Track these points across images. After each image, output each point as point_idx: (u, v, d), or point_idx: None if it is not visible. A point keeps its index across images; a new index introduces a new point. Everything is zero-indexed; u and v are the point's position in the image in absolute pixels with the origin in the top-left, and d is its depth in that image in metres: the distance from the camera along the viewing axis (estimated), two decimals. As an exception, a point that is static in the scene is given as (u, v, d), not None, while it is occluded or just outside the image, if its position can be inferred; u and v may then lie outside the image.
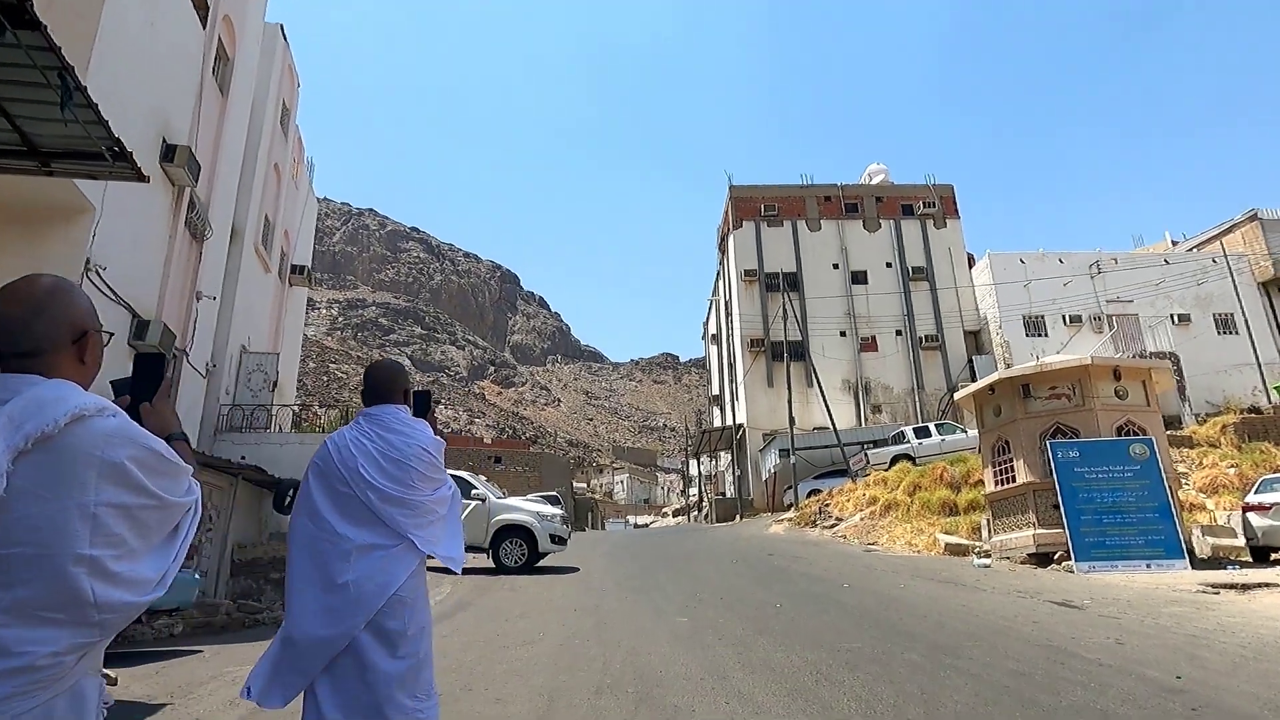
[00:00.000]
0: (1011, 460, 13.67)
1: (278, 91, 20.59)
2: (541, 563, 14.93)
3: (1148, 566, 11.44)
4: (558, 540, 14.63)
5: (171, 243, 13.96)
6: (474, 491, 14.60)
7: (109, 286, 11.79)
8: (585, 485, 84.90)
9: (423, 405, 3.29)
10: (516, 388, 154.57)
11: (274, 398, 19.42)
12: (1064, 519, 12.13)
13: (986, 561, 13.06)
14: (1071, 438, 12.93)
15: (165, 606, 7.56)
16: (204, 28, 14.99)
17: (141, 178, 6.52)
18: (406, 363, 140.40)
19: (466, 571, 14.38)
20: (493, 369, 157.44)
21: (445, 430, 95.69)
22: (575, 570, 14.53)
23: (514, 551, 14.29)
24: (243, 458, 14.71)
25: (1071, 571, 11.73)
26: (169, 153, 13.45)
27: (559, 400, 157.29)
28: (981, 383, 14.65)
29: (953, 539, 16.91)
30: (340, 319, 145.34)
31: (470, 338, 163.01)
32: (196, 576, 7.94)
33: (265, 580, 12.87)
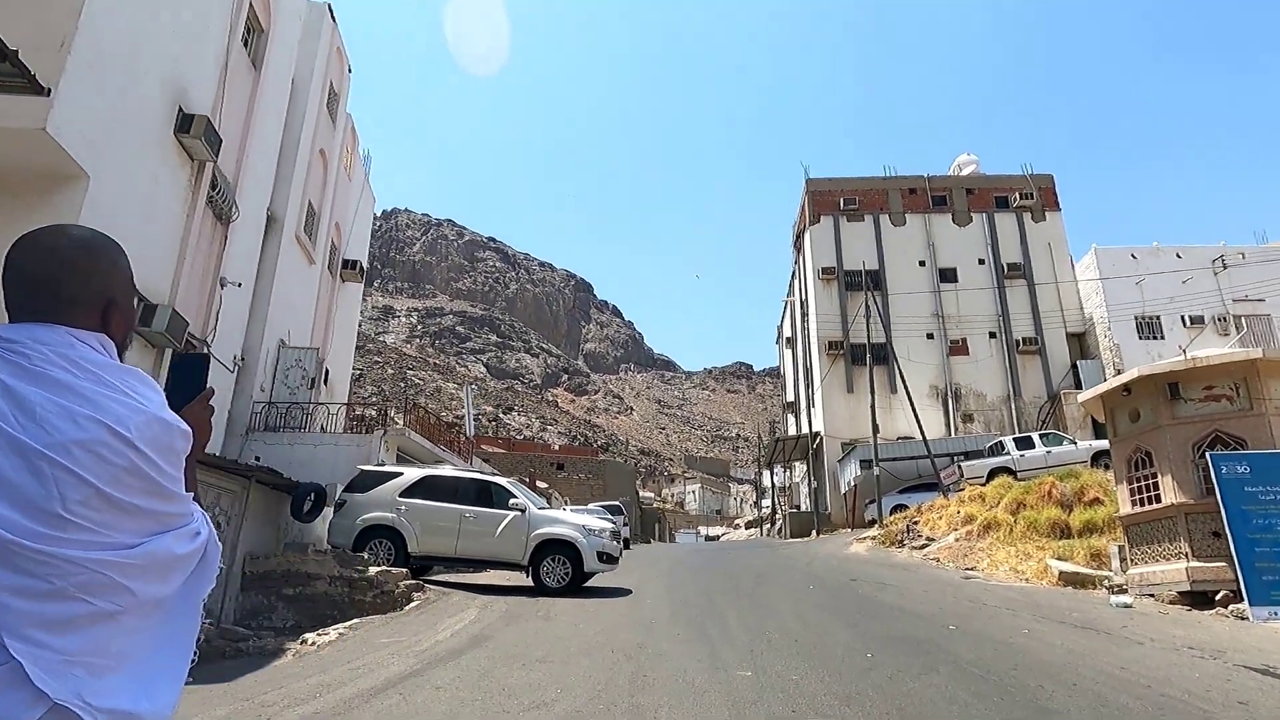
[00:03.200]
0: (1154, 476, 11.19)
1: (324, 73, 19.53)
2: (591, 582, 13.16)
3: (1350, 615, 8.89)
4: (607, 559, 12.81)
5: (189, 221, 12.77)
6: (513, 501, 12.92)
7: (105, 264, 10.54)
8: (654, 494, 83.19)
9: (193, 376, 1.62)
10: (589, 396, 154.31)
11: (315, 395, 18.24)
12: (1232, 551, 9.66)
13: (1127, 600, 10.64)
14: (1235, 449, 10.42)
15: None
16: (231, -8, 13.86)
17: (38, 88, 5.06)
18: (481, 370, 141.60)
19: (504, 591, 12.74)
20: (566, 377, 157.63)
21: (518, 437, 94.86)
22: (627, 593, 12.69)
23: (556, 570, 12.52)
24: (257, 458, 13.42)
25: (1245, 618, 9.26)
26: (185, 123, 12.27)
27: (631, 409, 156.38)
28: (1112, 382, 12.19)
29: (1068, 566, 14.44)
30: (419, 327, 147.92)
31: (544, 346, 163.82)
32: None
33: (278, 596, 11.48)
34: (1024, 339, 34.35)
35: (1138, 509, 11.49)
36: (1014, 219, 36.58)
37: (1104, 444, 23.18)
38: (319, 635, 8.85)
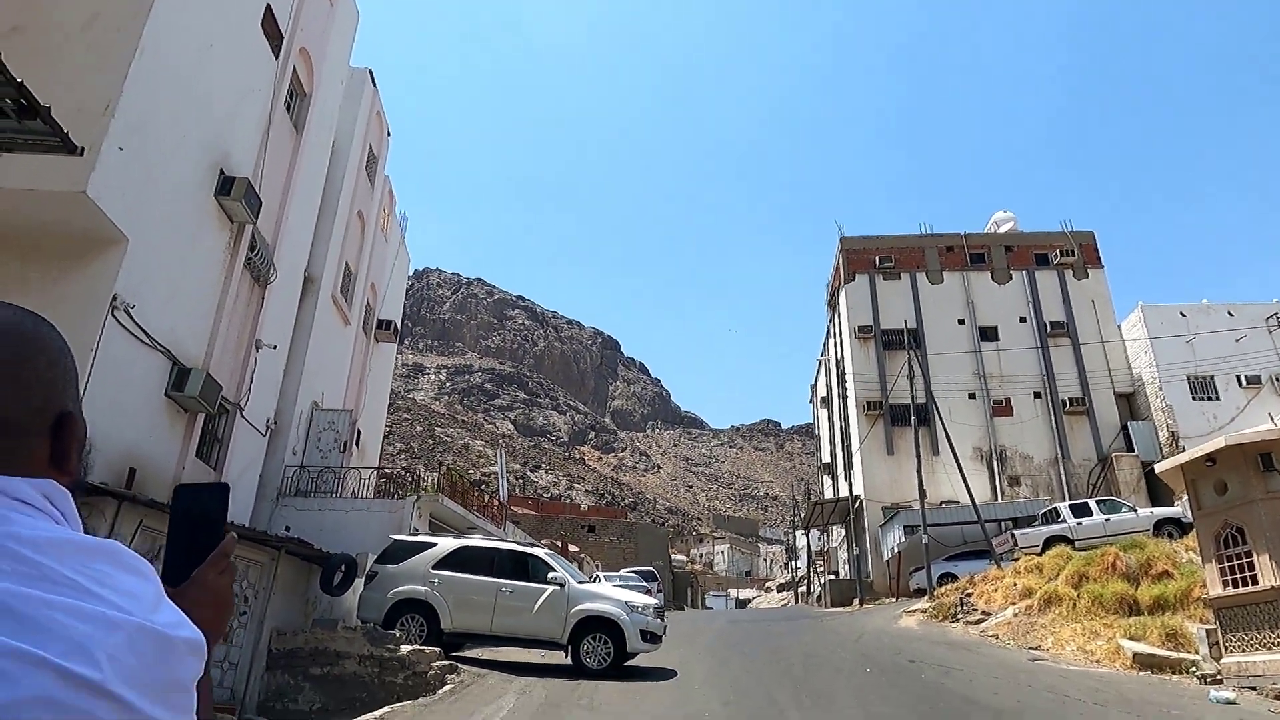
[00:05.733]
0: (1249, 554, 10.30)
1: (364, 136, 19.65)
2: (633, 661, 12.37)
3: None
4: (650, 638, 12.04)
5: (226, 284, 12.58)
6: (552, 574, 12.25)
7: (141, 328, 10.31)
8: (684, 557, 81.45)
9: (206, 515, 0.98)
10: (616, 453, 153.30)
11: (347, 459, 17.84)
12: (1349, 642, 8.72)
13: (1228, 695, 9.67)
14: (1341, 526, 9.54)
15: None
16: (276, 58, 13.93)
17: (70, 147, 4.73)
18: (509, 427, 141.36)
19: (542, 671, 11.99)
20: (593, 434, 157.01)
21: (545, 495, 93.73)
22: (672, 675, 11.88)
23: (597, 650, 11.77)
24: (287, 528, 12.95)
25: (1371, 720, 8.28)
26: (225, 185, 12.17)
27: (658, 466, 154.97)
28: (1194, 451, 11.38)
29: (1143, 648, 13.40)
30: (448, 384, 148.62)
31: (572, 403, 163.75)
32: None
33: (304, 676, 10.85)
34: (1070, 399, 33.24)
35: (1231, 590, 10.56)
36: (1055, 276, 35.82)
37: (1167, 512, 22.04)
38: (347, 727, 8.21)
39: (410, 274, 31.33)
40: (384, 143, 21.95)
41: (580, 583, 12.68)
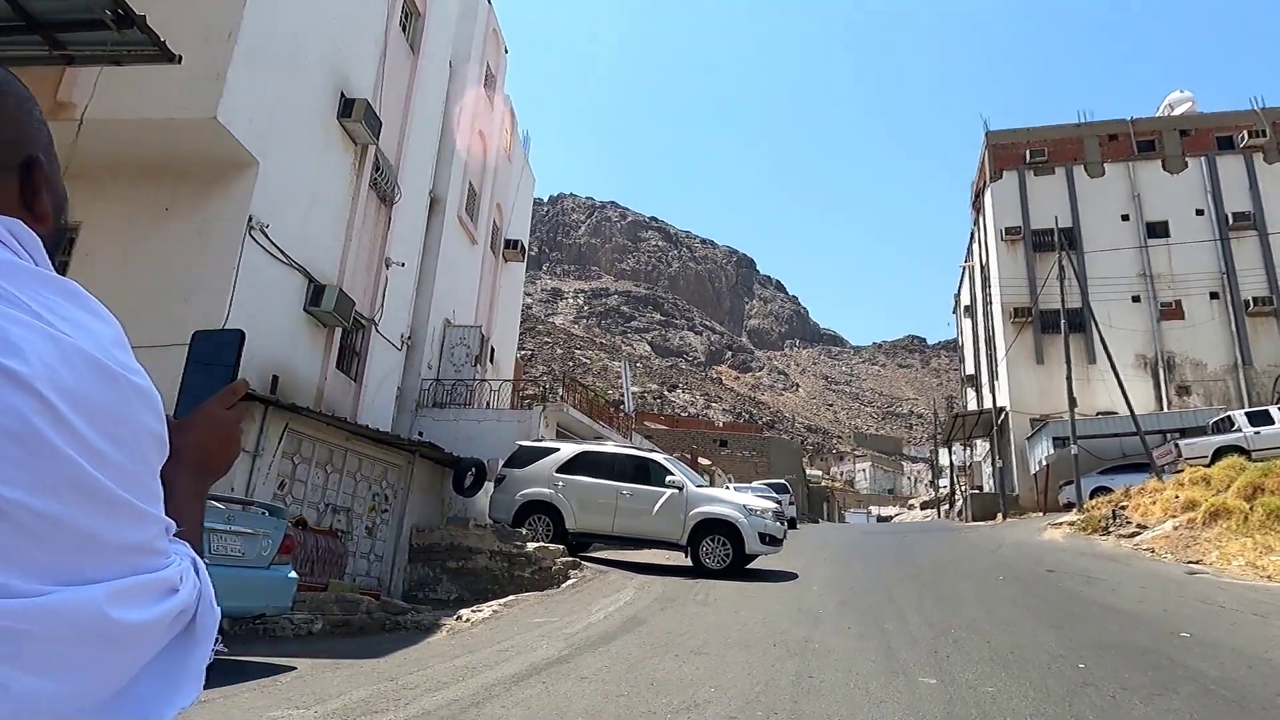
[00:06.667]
0: None
1: (481, 55, 19.75)
2: (755, 564, 12.48)
3: None
4: (769, 540, 12.07)
5: (354, 204, 13.18)
6: (669, 478, 12.44)
7: (276, 246, 10.99)
8: (822, 472, 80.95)
9: (219, 359, 0.99)
10: (754, 372, 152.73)
11: (480, 372, 18.63)
12: None
13: None
14: None
15: (252, 611, 6.18)
16: (388, -23, 14.10)
17: (168, 55, 4.94)
18: (646, 348, 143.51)
19: (662, 571, 12.32)
20: (730, 354, 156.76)
21: (683, 414, 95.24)
22: (792, 577, 11.90)
23: (716, 551, 11.93)
24: (420, 434, 13.74)
25: None
26: (347, 108, 12.62)
27: (797, 385, 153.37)
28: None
29: (1325, 564, 12.14)
30: (585, 307, 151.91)
31: (707, 323, 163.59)
32: (293, 575, 6.49)
33: (441, 569, 11.68)
34: (1255, 299, 29.78)
35: None
36: (1241, 161, 31.70)
37: (1366, 420, 19.61)
38: (474, 612, 8.77)
39: (545, 200, 31.77)
40: (501, 61, 22.01)
41: (699, 487, 12.81)
